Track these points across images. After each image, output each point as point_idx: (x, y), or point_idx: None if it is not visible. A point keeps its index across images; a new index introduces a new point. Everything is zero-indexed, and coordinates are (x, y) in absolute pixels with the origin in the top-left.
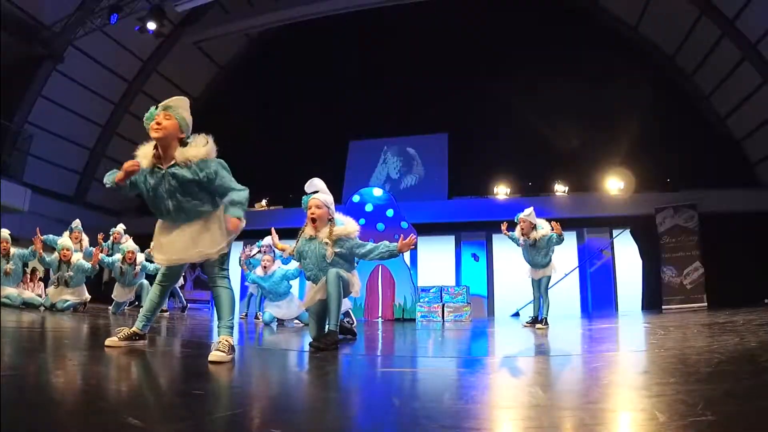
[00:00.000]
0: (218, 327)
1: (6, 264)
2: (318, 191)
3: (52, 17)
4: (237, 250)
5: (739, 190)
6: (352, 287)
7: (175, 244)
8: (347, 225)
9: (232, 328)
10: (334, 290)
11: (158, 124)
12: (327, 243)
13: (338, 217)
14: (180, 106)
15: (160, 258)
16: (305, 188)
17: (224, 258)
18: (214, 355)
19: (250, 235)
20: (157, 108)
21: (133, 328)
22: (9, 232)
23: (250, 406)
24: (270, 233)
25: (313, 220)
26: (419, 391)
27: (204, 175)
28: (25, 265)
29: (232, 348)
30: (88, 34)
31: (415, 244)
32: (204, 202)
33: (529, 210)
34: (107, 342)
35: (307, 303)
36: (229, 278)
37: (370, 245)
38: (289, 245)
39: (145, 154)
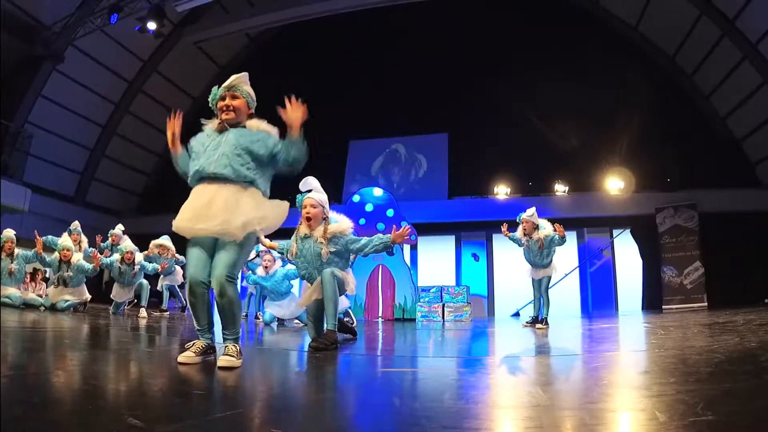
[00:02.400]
0: (224, 338)
1: (10, 264)
2: (312, 190)
3: (52, 17)
4: None
5: (739, 190)
6: (347, 285)
7: (201, 210)
8: (341, 222)
9: (238, 337)
10: (330, 289)
11: (227, 105)
12: (322, 242)
13: (332, 215)
14: (243, 82)
15: (182, 226)
16: (299, 187)
17: (239, 253)
18: (224, 360)
19: None
20: (218, 89)
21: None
22: (14, 233)
23: (250, 406)
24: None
25: (308, 219)
26: (419, 391)
27: (270, 144)
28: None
29: (240, 352)
30: (88, 34)
31: (415, 242)
32: (252, 169)
33: (532, 210)
34: (181, 359)
35: (303, 303)
36: (236, 284)
37: (364, 239)
38: (277, 243)
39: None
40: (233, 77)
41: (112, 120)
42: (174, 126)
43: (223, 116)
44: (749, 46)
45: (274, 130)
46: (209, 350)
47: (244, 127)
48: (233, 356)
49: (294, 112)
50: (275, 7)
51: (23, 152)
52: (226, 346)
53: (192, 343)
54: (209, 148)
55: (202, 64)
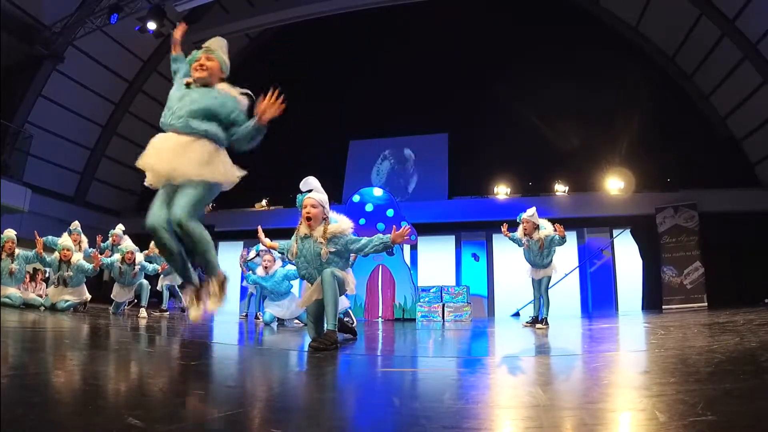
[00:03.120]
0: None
1: (11, 264)
2: (312, 190)
3: (52, 17)
4: (236, 252)
5: (739, 190)
6: (347, 285)
7: (166, 153)
8: (341, 222)
9: (216, 268)
10: (330, 290)
11: (201, 65)
12: (321, 242)
13: (332, 215)
14: (220, 47)
15: (144, 162)
16: (300, 187)
17: (197, 196)
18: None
19: (249, 236)
20: (198, 52)
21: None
22: (15, 233)
23: (250, 406)
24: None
25: (308, 219)
26: (419, 391)
27: (229, 107)
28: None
29: (224, 283)
30: (88, 34)
31: (415, 242)
32: (206, 123)
33: (532, 210)
34: (192, 317)
35: (304, 303)
36: (197, 221)
37: (364, 239)
38: (278, 243)
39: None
40: (212, 40)
41: (112, 120)
42: (180, 32)
43: (195, 74)
44: (749, 46)
45: (243, 99)
46: (201, 287)
47: (213, 88)
48: (216, 295)
49: (269, 106)
50: (275, 7)
51: (23, 152)
52: (207, 282)
53: (187, 297)
54: (175, 101)
55: None
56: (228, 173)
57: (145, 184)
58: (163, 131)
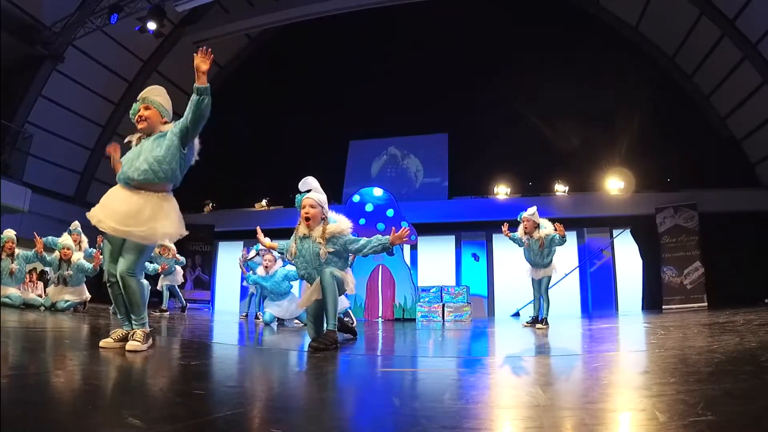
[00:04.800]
0: (133, 324)
1: (12, 264)
2: (311, 190)
3: (52, 17)
4: (236, 252)
5: (739, 190)
6: (346, 285)
7: (128, 214)
8: (340, 222)
9: (144, 324)
10: (330, 290)
11: (140, 116)
12: (320, 242)
13: (331, 215)
14: (154, 94)
15: (97, 221)
16: (299, 187)
17: (142, 255)
18: (130, 345)
19: (249, 236)
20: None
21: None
22: (15, 233)
23: (250, 406)
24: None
25: (307, 219)
26: (419, 391)
27: (176, 131)
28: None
29: (147, 336)
30: (88, 34)
31: (415, 242)
32: (168, 171)
33: (533, 209)
34: (102, 343)
35: (303, 303)
36: (137, 277)
37: (363, 240)
38: (277, 243)
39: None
40: (146, 90)
41: (112, 120)
42: (113, 157)
43: (138, 126)
44: (749, 46)
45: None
46: (127, 337)
47: (159, 133)
48: (139, 341)
49: (201, 61)
50: (275, 7)
51: (23, 152)
52: (134, 332)
53: (114, 330)
54: (131, 157)
55: None
56: (181, 226)
57: (92, 220)
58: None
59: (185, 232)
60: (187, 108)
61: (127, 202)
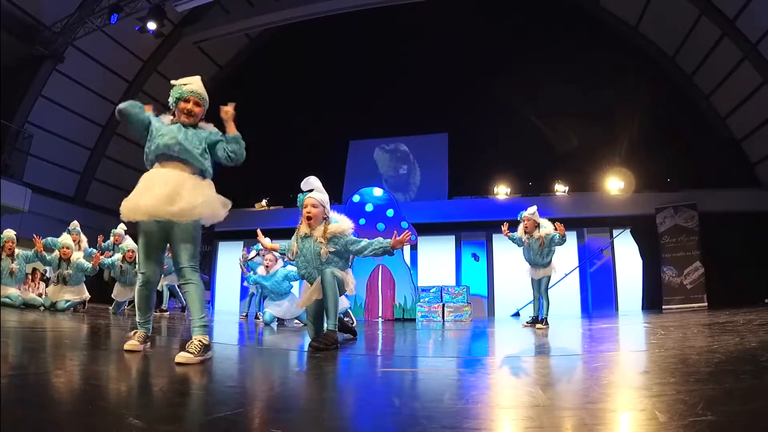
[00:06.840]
0: (192, 326)
1: (12, 264)
2: (313, 189)
3: (52, 17)
4: (236, 252)
5: (739, 190)
6: (346, 285)
7: (155, 193)
8: (341, 222)
9: (205, 326)
10: (330, 290)
11: (190, 112)
12: (321, 241)
13: (332, 215)
14: (203, 88)
15: (131, 212)
16: (301, 186)
17: (196, 244)
18: (181, 356)
19: (249, 236)
20: (178, 88)
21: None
22: (15, 233)
23: (250, 406)
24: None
25: (309, 219)
26: (419, 391)
27: (215, 136)
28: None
29: (205, 348)
30: (88, 34)
31: (415, 242)
32: (207, 159)
33: (533, 209)
34: (127, 346)
35: (303, 303)
36: (199, 272)
37: (364, 242)
38: (278, 243)
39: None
40: (197, 83)
41: (112, 120)
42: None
43: (184, 118)
44: (749, 46)
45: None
46: (148, 339)
47: (201, 129)
48: (193, 353)
49: (225, 115)
50: (275, 7)
51: (23, 152)
52: (191, 342)
53: (134, 332)
54: (174, 130)
55: (202, 64)
56: (223, 206)
57: (123, 219)
58: (150, 163)
59: (223, 214)
60: (235, 143)
61: (165, 182)
